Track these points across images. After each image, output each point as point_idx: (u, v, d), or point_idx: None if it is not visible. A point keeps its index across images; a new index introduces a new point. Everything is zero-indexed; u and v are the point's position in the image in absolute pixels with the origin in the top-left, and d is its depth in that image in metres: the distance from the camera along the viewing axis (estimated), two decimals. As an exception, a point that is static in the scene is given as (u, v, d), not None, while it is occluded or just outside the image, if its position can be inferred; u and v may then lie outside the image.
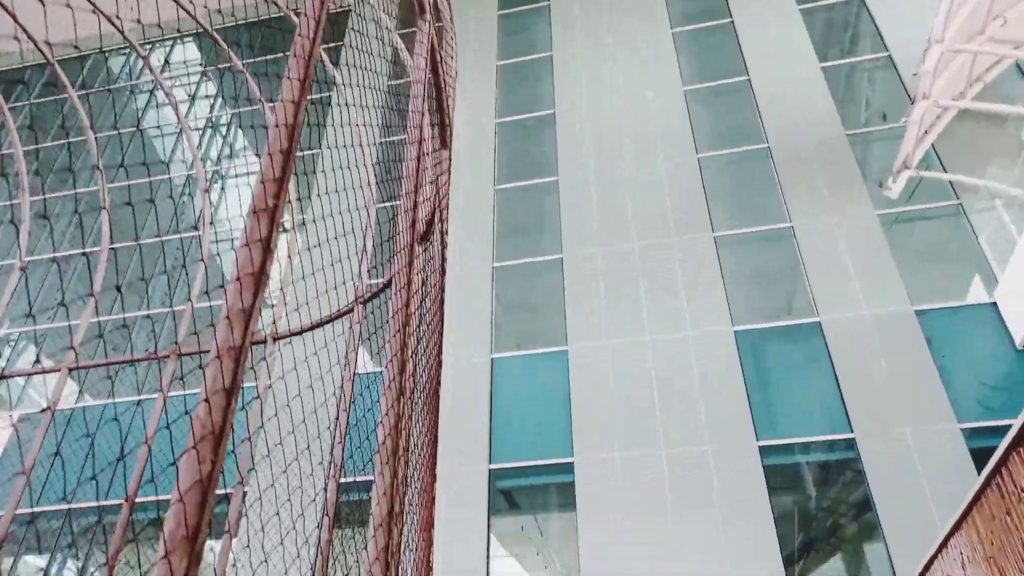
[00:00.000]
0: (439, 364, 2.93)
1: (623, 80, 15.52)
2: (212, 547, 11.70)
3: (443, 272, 3.08)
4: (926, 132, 12.47)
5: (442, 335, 2.98)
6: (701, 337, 11.47)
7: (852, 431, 10.11)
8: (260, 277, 1.27)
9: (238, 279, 1.25)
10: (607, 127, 14.77)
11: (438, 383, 2.83)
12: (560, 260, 13.12)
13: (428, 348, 2.75)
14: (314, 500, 10.83)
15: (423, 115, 2.59)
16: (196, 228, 15.47)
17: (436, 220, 3.05)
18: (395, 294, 2.00)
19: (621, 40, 16.31)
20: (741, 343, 11.32)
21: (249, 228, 1.33)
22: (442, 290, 3.00)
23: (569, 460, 10.94)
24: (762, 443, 10.32)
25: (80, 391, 14.22)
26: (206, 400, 1.14)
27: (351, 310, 3.21)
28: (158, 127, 17.26)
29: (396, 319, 1.94)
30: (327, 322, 4.07)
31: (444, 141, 3.34)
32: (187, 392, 12.83)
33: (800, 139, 13.53)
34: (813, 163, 13.11)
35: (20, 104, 20.06)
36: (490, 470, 11.14)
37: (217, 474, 1.07)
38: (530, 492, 11.26)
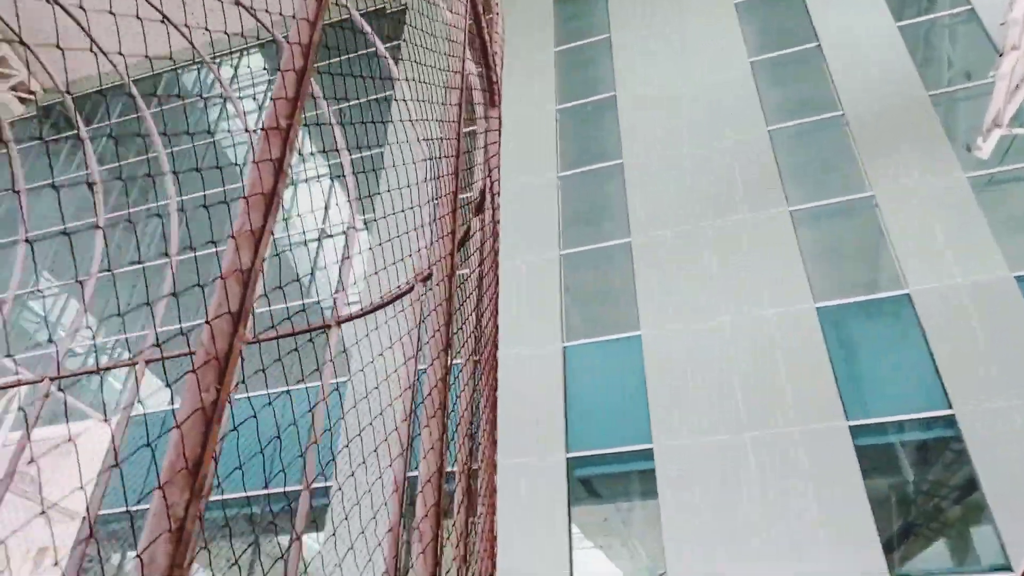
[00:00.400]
0: (496, 328, 2.83)
1: (684, 55, 15.09)
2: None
3: (496, 235, 2.98)
4: (1017, 86, 11.60)
5: (497, 299, 2.87)
6: (781, 316, 11.01)
7: (951, 407, 9.49)
8: (271, 198, 1.19)
9: (246, 199, 1.16)
10: (670, 105, 14.39)
11: (495, 345, 2.73)
12: (628, 244, 12.85)
13: (484, 308, 2.65)
14: (396, 491, 10.92)
15: (464, 60, 2.48)
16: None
17: (487, 186, 2.94)
18: (439, 240, 1.90)
19: (680, 15, 15.86)
20: (824, 320, 10.80)
21: (259, 148, 1.25)
22: (496, 253, 2.90)
23: (648, 447, 10.69)
24: (852, 423, 9.81)
25: (172, 395, 14.84)
26: (208, 323, 1.05)
27: (411, 288, 3.11)
28: (229, 132, 17.86)
29: (440, 266, 1.84)
30: (388, 303, 4.02)
31: (492, 100, 3.23)
32: (270, 391, 13.20)
33: (878, 104, 12.83)
34: (893, 128, 12.40)
35: (102, 124, 21.13)
36: (568, 459, 11.00)
37: (223, 403, 0.99)
38: (610, 480, 11.06)
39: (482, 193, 3.34)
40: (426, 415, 1.67)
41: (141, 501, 12.80)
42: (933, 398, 9.66)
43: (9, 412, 13.03)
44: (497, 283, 2.83)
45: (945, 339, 10.04)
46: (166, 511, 0.85)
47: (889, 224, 11.35)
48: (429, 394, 1.71)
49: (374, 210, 14.08)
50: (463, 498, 2.64)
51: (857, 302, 10.88)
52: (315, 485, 11.69)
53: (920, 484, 9.50)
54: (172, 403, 14.25)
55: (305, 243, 15.48)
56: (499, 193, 2.97)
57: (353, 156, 15.95)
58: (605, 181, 14.02)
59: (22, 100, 23.17)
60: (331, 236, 15.35)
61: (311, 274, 14.89)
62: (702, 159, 13.31)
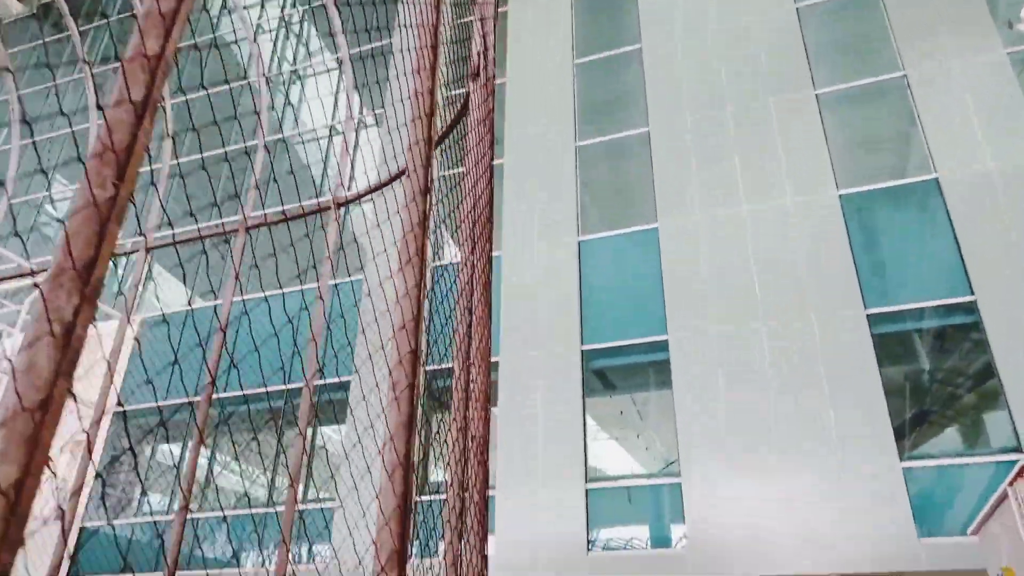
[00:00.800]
0: (491, 192, 2.69)
1: (710, -69, 14.10)
2: (330, 435, 12.38)
3: (492, 93, 2.79)
4: (1071, -48, 10.74)
5: (492, 173, 2.72)
6: (803, 205, 10.72)
7: (973, 293, 9.30)
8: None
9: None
10: (693, -15, 13.56)
11: (490, 208, 2.60)
12: (647, 133, 12.44)
13: (476, 159, 2.50)
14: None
15: None
16: (280, 128, 15.61)
17: (483, 37, 2.72)
18: (417, 74, 1.73)
19: None
20: (847, 208, 10.50)
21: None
22: (491, 111, 2.72)
23: (663, 338, 10.69)
24: (871, 311, 9.68)
25: (190, 297, 15.02)
26: (103, 111, 0.92)
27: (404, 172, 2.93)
28: (233, 32, 17.28)
29: (419, 101, 1.67)
30: (384, 185, 3.86)
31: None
32: (289, 289, 13.28)
33: (916, -23, 11.97)
34: (931, 2, 11.62)
35: (102, 23, 20.52)
36: (583, 351, 11.06)
37: (122, 203, 0.86)
38: (625, 372, 11.15)
39: (479, 55, 3.11)
40: (400, 262, 1.56)
41: (168, 396, 13.19)
42: (955, 285, 9.47)
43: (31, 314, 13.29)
44: (492, 157, 2.67)
45: (972, 226, 9.74)
46: (47, 315, 0.75)
47: (921, 106, 10.83)
48: (403, 238, 1.59)
49: (383, 105, 13.69)
50: (463, 391, 2.57)
51: (882, 189, 10.53)
52: (333, 380, 11.92)
53: (936, 372, 9.45)
54: (190, 304, 14.44)
55: (317, 140, 15.19)
56: (494, 48, 2.76)
57: (363, 47, 15.39)
58: (623, 68, 13.44)
59: (21, -1, 22.49)
60: (341, 133, 15.03)
61: (324, 167, 14.69)
62: (725, 42, 12.65)
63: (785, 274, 10.34)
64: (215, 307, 13.00)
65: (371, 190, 3.96)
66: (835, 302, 9.88)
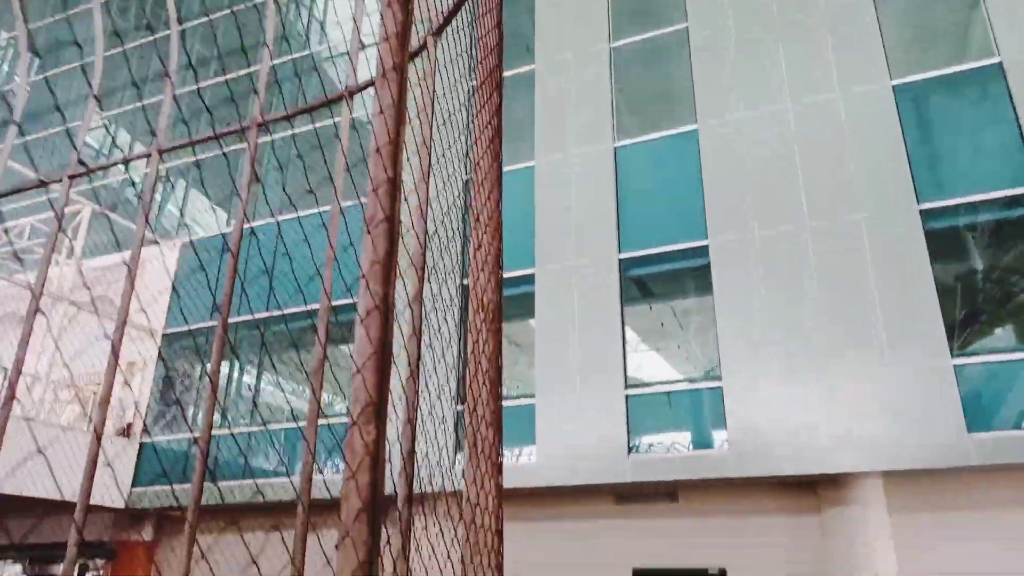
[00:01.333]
0: (500, 55, 2.46)
1: None
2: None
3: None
4: None
5: (501, 38, 2.48)
6: (852, 97, 10.10)
7: (1037, 183, 8.75)
8: None
9: None
10: None
11: (500, 71, 2.38)
12: (685, 29, 11.77)
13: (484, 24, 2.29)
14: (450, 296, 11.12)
15: None
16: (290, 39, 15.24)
17: None
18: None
19: None
20: (901, 98, 9.87)
21: None
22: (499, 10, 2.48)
23: (703, 243, 10.40)
24: (924, 206, 9.21)
25: (228, 219, 15.12)
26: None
27: (423, 47, 2.71)
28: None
29: (389, 15, 1.45)
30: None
31: None
32: (295, 215, 13.23)
33: None
34: None
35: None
36: (620, 260, 10.85)
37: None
38: (663, 279, 10.93)
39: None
40: (377, 117, 1.37)
41: (213, 316, 13.47)
42: (1018, 175, 8.91)
43: (76, 240, 13.56)
44: (501, 37, 2.42)
45: (1038, 111, 9.07)
46: None
47: (984, -17, 9.96)
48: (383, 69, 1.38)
49: None
50: (478, 263, 2.41)
51: (940, 76, 9.84)
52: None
53: (992, 267, 9.02)
54: (228, 224, 14.53)
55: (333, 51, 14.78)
56: None
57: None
58: (658, -40, 12.63)
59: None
60: (364, 47, 14.59)
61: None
62: (768, -76, 11.73)
63: (832, 172, 9.86)
64: (254, 227, 13.05)
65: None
66: (886, 199, 9.42)
